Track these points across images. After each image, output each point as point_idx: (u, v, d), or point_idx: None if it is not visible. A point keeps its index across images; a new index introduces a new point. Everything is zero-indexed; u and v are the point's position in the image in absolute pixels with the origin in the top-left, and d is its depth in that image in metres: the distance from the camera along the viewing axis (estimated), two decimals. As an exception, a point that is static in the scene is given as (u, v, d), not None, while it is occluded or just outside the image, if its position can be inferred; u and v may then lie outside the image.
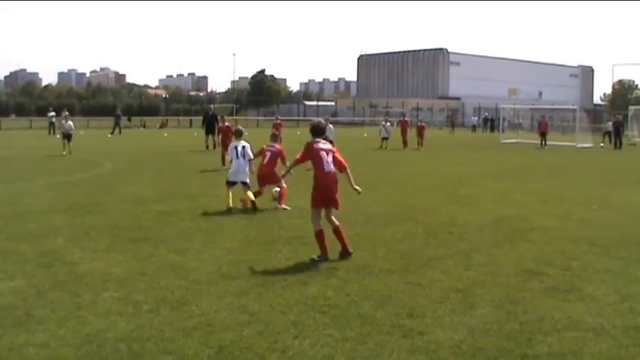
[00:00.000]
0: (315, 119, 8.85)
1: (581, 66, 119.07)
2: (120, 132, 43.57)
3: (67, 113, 26.43)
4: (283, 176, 8.94)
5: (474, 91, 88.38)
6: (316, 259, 7.31)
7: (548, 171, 20.51)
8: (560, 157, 27.72)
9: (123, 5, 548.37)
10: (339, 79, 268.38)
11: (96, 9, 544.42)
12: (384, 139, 30.66)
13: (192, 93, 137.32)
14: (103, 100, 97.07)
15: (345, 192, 7.89)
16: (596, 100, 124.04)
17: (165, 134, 43.43)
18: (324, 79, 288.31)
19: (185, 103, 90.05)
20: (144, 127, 57.29)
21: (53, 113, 43.31)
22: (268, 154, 11.49)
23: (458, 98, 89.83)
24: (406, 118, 34.33)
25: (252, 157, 11.37)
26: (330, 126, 22.68)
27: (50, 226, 9.34)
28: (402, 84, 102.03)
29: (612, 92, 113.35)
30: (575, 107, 48.32)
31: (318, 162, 7.48)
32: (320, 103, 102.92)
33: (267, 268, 7.07)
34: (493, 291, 6.27)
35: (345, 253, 7.50)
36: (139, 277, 6.62)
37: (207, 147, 26.02)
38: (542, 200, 12.99)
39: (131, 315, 5.43)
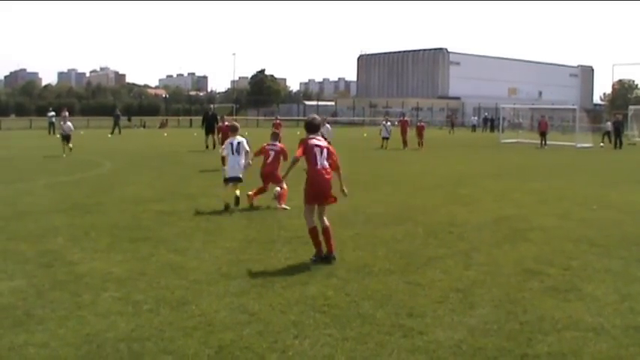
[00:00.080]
0: (310, 115, 8.79)
1: (581, 66, 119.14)
2: (120, 132, 43.61)
3: (66, 113, 25.87)
4: (284, 177, 8.93)
5: (474, 90, 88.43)
6: (313, 259, 7.27)
7: (548, 171, 20.50)
8: (560, 156, 27.73)
9: (123, 5, 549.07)
10: (339, 78, 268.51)
11: (96, 9, 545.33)
12: (385, 138, 30.68)
13: (192, 93, 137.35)
14: (103, 100, 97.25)
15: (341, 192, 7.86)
16: (596, 99, 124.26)
17: (165, 134, 43.45)
18: (324, 79, 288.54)
19: (185, 102, 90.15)
20: (144, 127, 57.32)
21: (53, 113, 43.30)
22: (272, 153, 11.53)
23: (458, 98, 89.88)
24: (406, 118, 34.35)
25: (248, 149, 11.36)
26: (328, 126, 22.23)
27: (50, 226, 9.33)
28: (401, 84, 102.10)
29: (612, 92, 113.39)
30: (575, 107, 48.38)
31: (311, 158, 7.39)
32: (320, 102, 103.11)
33: (267, 268, 7.06)
34: (493, 291, 6.27)
35: (328, 255, 7.30)
36: (138, 277, 6.61)
37: (207, 147, 26.09)
38: (542, 200, 12.99)
39: (131, 315, 5.42)
